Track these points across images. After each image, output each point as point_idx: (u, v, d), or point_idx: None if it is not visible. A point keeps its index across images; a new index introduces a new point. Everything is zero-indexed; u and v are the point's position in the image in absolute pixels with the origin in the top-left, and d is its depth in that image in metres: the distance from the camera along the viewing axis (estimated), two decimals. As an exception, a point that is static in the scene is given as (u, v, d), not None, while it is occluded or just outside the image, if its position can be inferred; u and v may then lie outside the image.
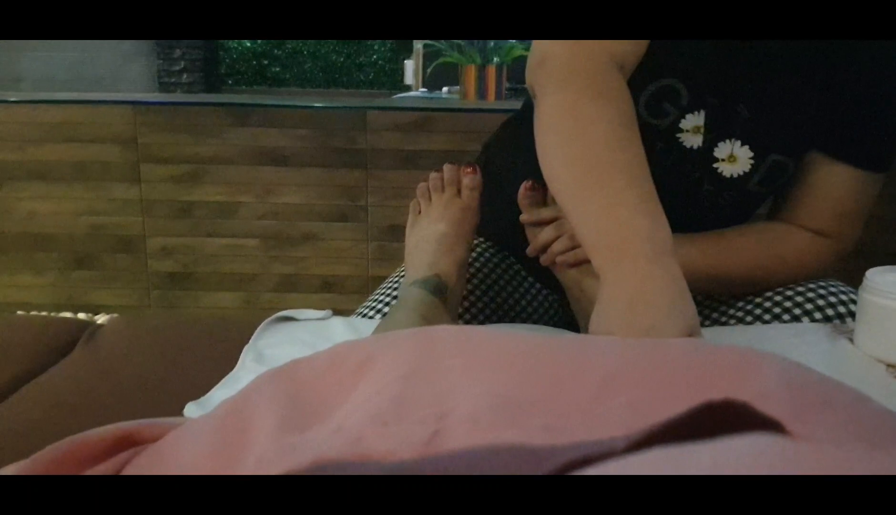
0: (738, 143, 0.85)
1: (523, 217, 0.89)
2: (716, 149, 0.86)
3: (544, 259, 0.87)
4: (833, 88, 0.84)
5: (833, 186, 0.87)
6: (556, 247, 0.85)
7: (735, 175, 0.87)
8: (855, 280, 0.85)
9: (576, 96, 0.73)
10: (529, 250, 0.89)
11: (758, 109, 0.84)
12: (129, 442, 0.44)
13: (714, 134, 0.85)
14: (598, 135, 0.70)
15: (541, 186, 0.89)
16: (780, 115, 0.85)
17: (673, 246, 0.65)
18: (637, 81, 0.81)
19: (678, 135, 0.86)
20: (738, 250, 0.90)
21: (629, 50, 0.79)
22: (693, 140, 0.86)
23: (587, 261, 0.81)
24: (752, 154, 0.86)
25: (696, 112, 0.84)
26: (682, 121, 0.85)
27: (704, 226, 0.91)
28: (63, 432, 0.42)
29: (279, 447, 0.36)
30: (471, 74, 2.74)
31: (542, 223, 0.88)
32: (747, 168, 0.87)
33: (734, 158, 0.86)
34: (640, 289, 0.61)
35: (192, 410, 0.64)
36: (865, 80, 0.84)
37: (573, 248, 0.85)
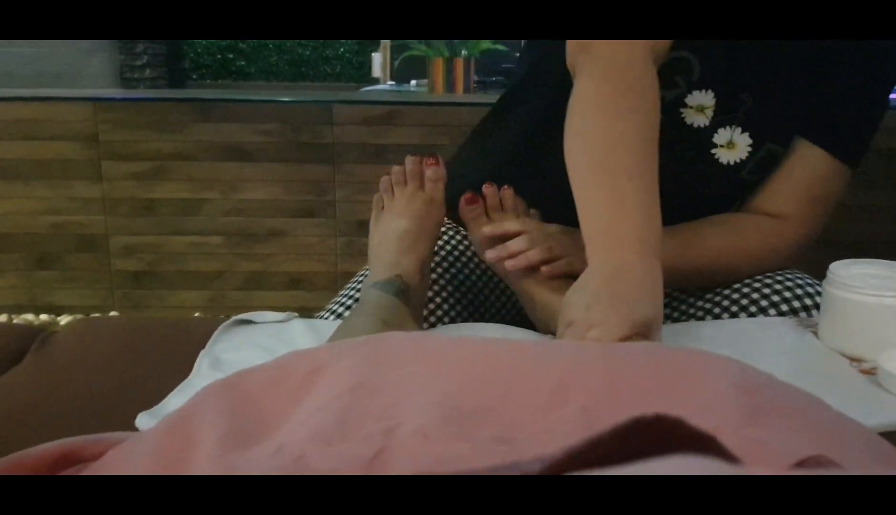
0: (739, 129, 0.88)
1: (487, 229, 0.89)
2: (716, 135, 0.88)
3: (511, 264, 0.86)
4: (825, 77, 0.87)
5: (805, 168, 0.90)
6: (534, 257, 0.85)
7: (731, 162, 0.89)
8: (818, 270, 0.86)
9: (611, 89, 0.76)
10: (492, 257, 0.87)
11: (761, 98, 0.86)
12: (73, 459, 0.42)
13: (716, 119, 0.87)
14: (622, 133, 0.74)
15: (479, 196, 0.91)
16: (780, 104, 0.87)
17: (660, 249, 0.70)
18: None
19: (682, 110, 0.87)
20: (702, 240, 0.90)
21: (664, 40, 0.80)
22: (695, 118, 0.88)
23: (569, 275, 0.81)
24: (750, 142, 0.88)
25: (704, 91, 0.86)
26: (689, 96, 0.86)
27: (687, 212, 0.92)
28: (6, 449, 0.40)
29: (219, 467, 0.34)
30: (438, 67, 2.72)
31: (507, 236, 0.87)
32: (744, 156, 0.89)
33: (733, 145, 0.89)
34: (620, 271, 0.67)
35: (144, 420, 0.62)
36: (855, 72, 0.87)
37: (548, 261, 0.85)
